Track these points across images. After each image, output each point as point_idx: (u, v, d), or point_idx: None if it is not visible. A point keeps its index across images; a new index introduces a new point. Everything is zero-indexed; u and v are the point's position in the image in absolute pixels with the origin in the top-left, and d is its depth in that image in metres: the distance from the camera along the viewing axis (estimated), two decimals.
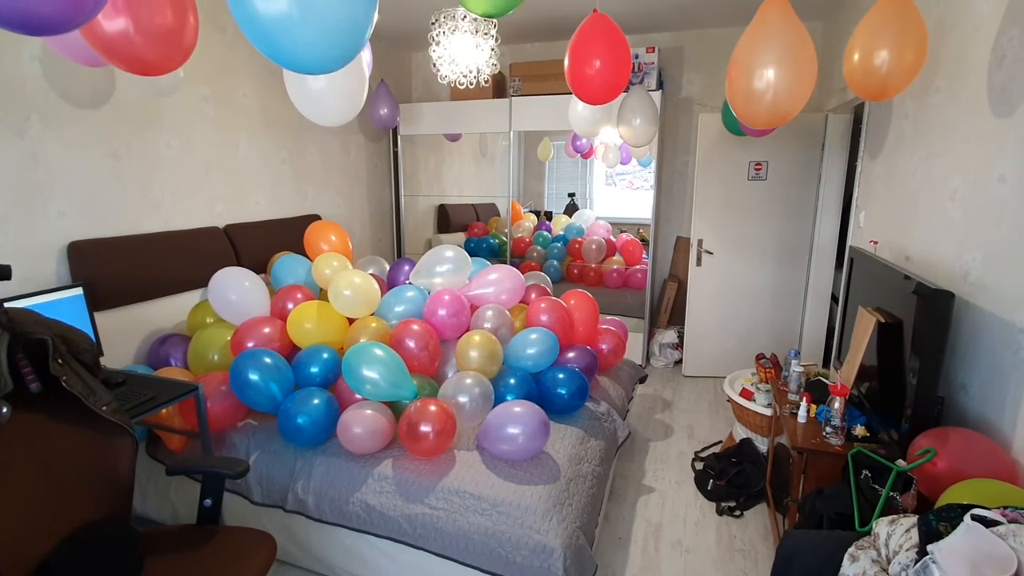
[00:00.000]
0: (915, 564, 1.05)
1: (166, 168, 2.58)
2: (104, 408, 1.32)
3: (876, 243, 2.34)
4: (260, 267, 2.84)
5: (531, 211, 4.92)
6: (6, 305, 1.18)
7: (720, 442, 2.93)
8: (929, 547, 1.04)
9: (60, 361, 1.24)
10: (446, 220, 4.80)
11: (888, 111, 2.47)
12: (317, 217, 3.52)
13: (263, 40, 1.13)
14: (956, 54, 1.86)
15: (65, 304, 1.87)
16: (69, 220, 2.17)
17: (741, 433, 2.75)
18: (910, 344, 1.66)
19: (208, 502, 1.48)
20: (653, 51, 3.64)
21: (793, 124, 3.39)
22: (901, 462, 1.48)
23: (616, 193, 5.09)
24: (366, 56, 2.26)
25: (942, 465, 1.41)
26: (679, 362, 4.08)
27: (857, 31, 1.68)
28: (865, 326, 1.88)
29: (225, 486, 1.55)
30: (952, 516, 1.09)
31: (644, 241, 4.63)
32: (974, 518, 1.03)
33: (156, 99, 2.49)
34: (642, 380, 3.09)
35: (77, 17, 1.17)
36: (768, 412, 2.50)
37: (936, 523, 1.09)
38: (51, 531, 1.23)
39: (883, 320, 1.81)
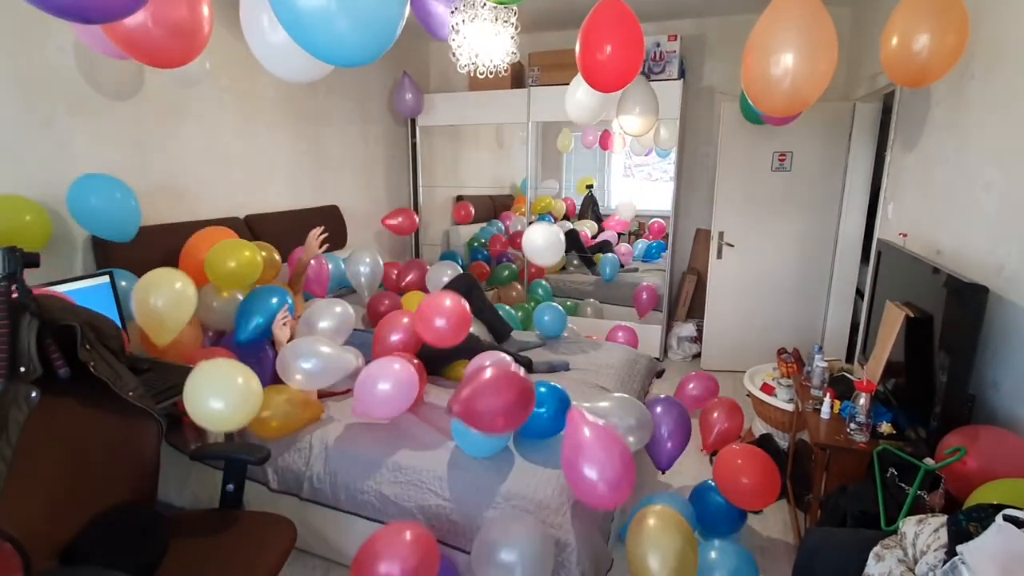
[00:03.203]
0: (944, 564, 1.03)
1: (189, 158, 2.61)
2: (131, 394, 1.34)
3: (905, 236, 2.27)
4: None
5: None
6: (35, 292, 1.20)
7: (740, 437, 2.89)
8: (959, 547, 1.01)
9: (88, 347, 1.27)
10: (464, 211, 4.80)
11: (920, 99, 2.39)
12: (336, 208, 3.54)
13: (299, 31, 1.14)
14: (992, 39, 1.78)
15: (93, 291, 1.91)
16: None
17: (761, 428, 2.71)
18: (940, 340, 1.62)
19: (231, 487, 1.50)
20: (675, 39, 3.58)
21: (819, 113, 3.31)
22: (929, 460, 1.44)
23: (635, 185, 5.04)
24: None
25: (972, 464, 1.37)
26: (697, 356, 4.04)
27: (895, 15, 1.62)
28: (893, 321, 1.84)
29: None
30: (983, 516, 1.06)
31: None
32: (1006, 519, 1.00)
33: (179, 90, 2.52)
34: (659, 374, 3.06)
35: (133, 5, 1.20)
36: (789, 407, 2.46)
37: (966, 523, 1.06)
38: (78, 514, 1.26)
39: (912, 315, 1.76)
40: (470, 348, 2.52)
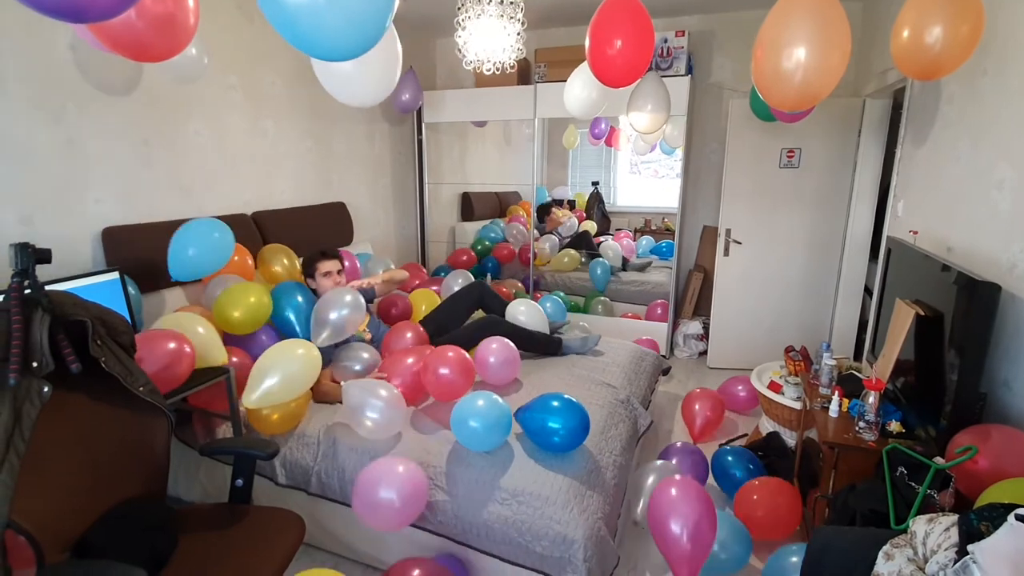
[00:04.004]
0: (954, 564, 1.02)
1: (197, 155, 2.62)
2: (141, 389, 1.35)
3: (916, 233, 2.25)
4: None
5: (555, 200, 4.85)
6: (47, 288, 1.21)
7: (746, 435, 2.89)
8: (970, 547, 1.01)
9: (99, 342, 1.28)
10: (470, 208, 4.80)
11: (931, 95, 2.36)
12: (342, 205, 3.55)
13: (287, 26, 1.13)
14: (1006, 35, 1.76)
15: (103, 287, 1.92)
16: (105, 206, 2.22)
17: (768, 426, 2.70)
18: (951, 338, 1.60)
19: (239, 482, 1.51)
20: (683, 35, 3.55)
21: (828, 109, 3.28)
22: (939, 459, 1.43)
23: (641, 182, 5.02)
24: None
25: (983, 463, 1.37)
26: (704, 353, 4.03)
27: (907, 5, 1.60)
28: (903, 319, 1.82)
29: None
30: (994, 516, 1.05)
31: (669, 230, 4.57)
32: (1018, 518, 0.99)
33: (186, 87, 2.52)
34: (665, 372, 3.06)
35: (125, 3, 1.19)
36: (797, 405, 2.45)
37: (977, 522, 1.06)
38: (90, 508, 1.27)
39: (922, 313, 1.75)
40: (494, 324, 2.62)
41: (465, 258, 4.38)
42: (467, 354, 2.18)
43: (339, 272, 2.51)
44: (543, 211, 4.72)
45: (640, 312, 4.19)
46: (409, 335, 2.47)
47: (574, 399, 1.91)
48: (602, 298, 4.26)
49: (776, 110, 2.90)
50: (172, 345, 1.75)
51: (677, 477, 1.78)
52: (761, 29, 1.52)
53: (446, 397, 2.08)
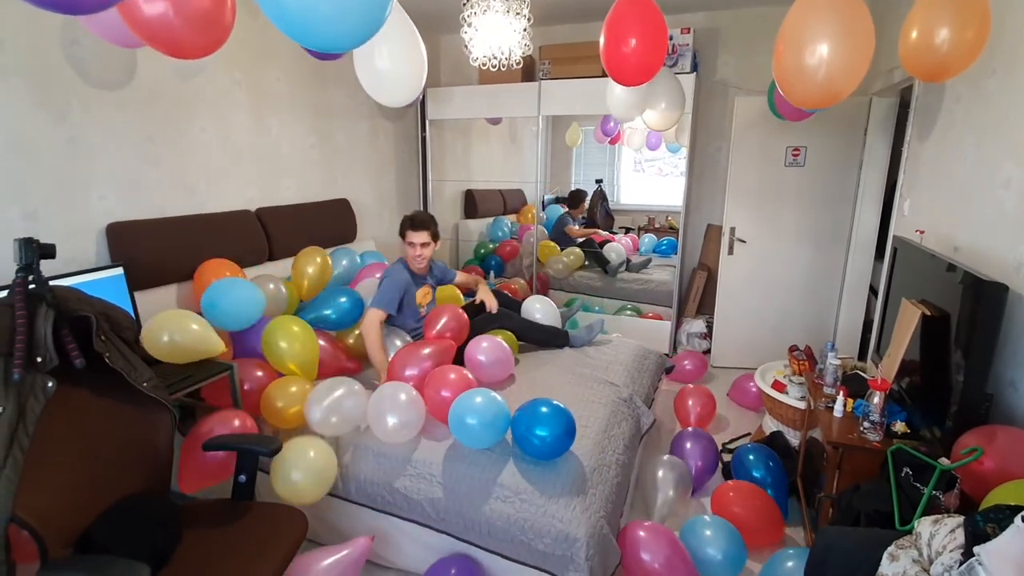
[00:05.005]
0: (960, 565, 1.01)
1: (201, 152, 2.62)
2: (145, 384, 1.35)
3: (922, 232, 2.24)
4: (289, 251, 2.90)
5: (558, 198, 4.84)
6: (51, 283, 1.21)
7: (749, 434, 2.88)
8: (976, 548, 1.00)
9: (103, 338, 1.28)
10: (473, 205, 4.79)
11: (938, 95, 2.35)
12: (346, 202, 3.55)
13: (280, 16, 1.13)
14: (1014, 35, 1.75)
15: (106, 283, 1.93)
16: (109, 203, 2.23)
17: (771, 426, 2.69)
18: (957, 338, 1.59)
19: (242, 478, 1.52)
20: (688, 32, 3.53)
21: (834, 108, 3.24)
22: (944, 460, 1.42)
23: (645, 180, 5.00)
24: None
25: (989, 464, 1.36)
26: (707, 352, 4.01)
27: (916, 7, 1.59)
28: (909, 319, 1.81)
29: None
30: (1000, 517, 1.04)
31: (673, 229, 4.55)
32: None
33: (191, 85, 2.52)
34: (668, 371, 3.06)
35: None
36: (801, 405, 2.44)
37: (983, 524, 1.05)
38: (93, 503, 1.28)
39: (928, 313, 1.74)
40: (503, 316, 2.71)
41: (475, 272, 4.34)
42: (468, 374, 2.12)
43: (424, 245, 2.50)
44: (576, 199, 4.65)
45: (644, 310, 4.17)
46: (445, 319, 2.44)
47: (556, 404, 1.84)
48: (628, 307, 4.26)
49: (781, 107, 2.89)
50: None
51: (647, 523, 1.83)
52: (783, 24, 1.50)
53: (443, 418, 1.97)
